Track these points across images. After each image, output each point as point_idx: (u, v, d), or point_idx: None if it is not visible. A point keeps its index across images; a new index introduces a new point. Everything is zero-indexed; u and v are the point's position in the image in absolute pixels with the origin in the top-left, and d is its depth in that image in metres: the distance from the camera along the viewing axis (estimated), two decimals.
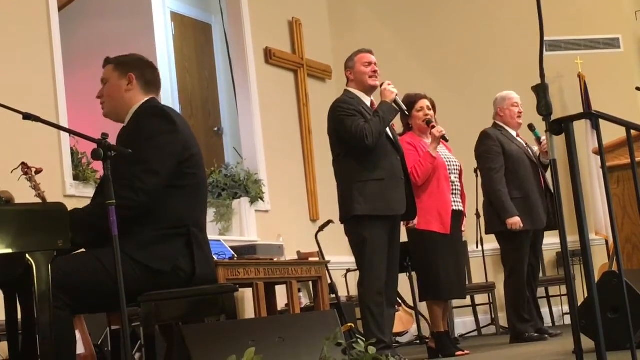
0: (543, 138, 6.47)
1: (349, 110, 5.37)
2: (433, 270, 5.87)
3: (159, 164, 3.50)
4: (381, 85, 5.50)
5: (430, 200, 5.88)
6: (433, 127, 5.95)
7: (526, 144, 6.69)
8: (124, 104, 3.73)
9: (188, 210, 3.60)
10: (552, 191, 6.53)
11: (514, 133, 6.68)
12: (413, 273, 7.12)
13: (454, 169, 6.04)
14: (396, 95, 5.46)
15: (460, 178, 6.11)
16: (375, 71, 5.52)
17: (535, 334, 6.40)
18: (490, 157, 6.53)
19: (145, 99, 3.74)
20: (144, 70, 3.80)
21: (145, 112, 3.66)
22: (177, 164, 3.57)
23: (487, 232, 6.76)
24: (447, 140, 6.08)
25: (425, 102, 6.06)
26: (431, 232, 5.85)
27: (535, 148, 6.67)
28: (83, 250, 3.56)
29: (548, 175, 6.61)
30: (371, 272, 5.25)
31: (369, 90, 5.54)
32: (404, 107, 5.59)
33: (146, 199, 3.43)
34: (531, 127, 6.58)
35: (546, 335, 6.44)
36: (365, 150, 5.28)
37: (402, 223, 5.64)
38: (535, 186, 6.51)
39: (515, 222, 6.33)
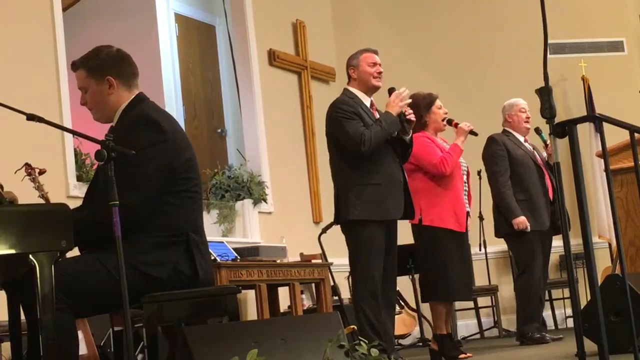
0: (549, 141, 6.53)
1: (348, 112, 5.30)
2: (443, 270, 5.85)
3: (144, 179, 3.43)
4: (390, 94, 5.45)
5: (447, 198, 5.90)
6: (456, 124, 6.02)
7: (534, 148, 6.76)
8: (111, 107, 3.64)
9: (185, 216, 3.55)
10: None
11: (521, 139, 6.78)
12: (416, 275, 7.13)
13: (464, 171, 6.08)
14: (403, 111, 5.40)
15: (467, 180, 6.14)
16: (380, 72, 5.46)
17: (537, 335, 6.41)
18: (495, 161, 6.63)
19: (131, 97, 3.64)
20: (118, 67, 3.65)
21: (134, 121, 3.55)
22: (168, 172, 3.50)
23: (496, 235, 6.79)
24: (476, 135, 6.14)
25: (439, 102, 6.11)
26: (447, 229, 5.85)
27: (545, 153, 6.74)
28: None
29: None
30: (366, 275, 5.19)
31: (372, 90, 5.47)
32: (406, 125, 5.53)
33: (127, 214, 3.26)
34: (538, 131, 6.68)
35: (547, 337, 6.44)
36: (361, 156, 5.23)
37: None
38: (539, 189, 6.59)
39: (521, 221, 6.39)
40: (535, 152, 6.74)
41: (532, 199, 6.53)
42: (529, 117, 6.76)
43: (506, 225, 6.51)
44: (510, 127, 6.80)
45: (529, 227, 6.42)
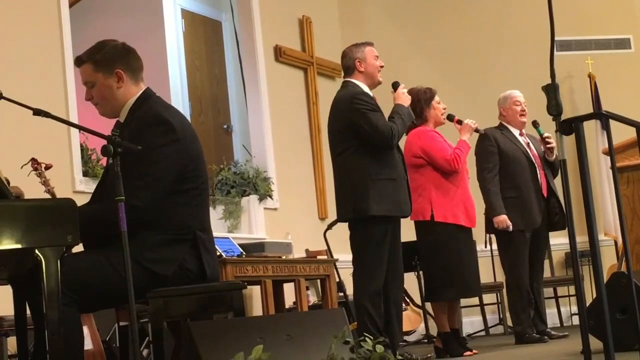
0: (545, 135, 6.47)
1: (370, 104, 5.20)
2: (458, 267, 5.83)
3: (155, 180, 3.42)
4: (395, 89, 5.43)
5: (458, 194, 5.89)
6: (458, 120, 6.00)
7: (529, 143, 6.62)
8: (118, 102, 3.60)
9: (192, 214, 3.55)
10: (555, 192, 6.51)
11: (516, 132, 6.64)
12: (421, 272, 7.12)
13: None
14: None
15: None
16: (382, 66, 5.43)
17: (536, 335, 6.38)
18: (483, 157, 6.53)
19: (139, 92, 3.61)
20: (126, 60, 3.62)
21: (144, 120, 3.52)
22: (178, 172, 3.49)
23: (486, 232, 6.72)
24: (482, 133, 6.13)
25: (438, 97, 6.09)
26: (458, 225, 5.84)
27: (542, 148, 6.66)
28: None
29: (553, 177, 6.60)
30: (373, 272, 5.15)
31: (375, 85, 5.41)
32: (413, 115, 5.54)
33: (137, 215, 3.30)
34: (535, 124, 6.54)
35: (546, 337, 6.39)
36: (387, 148, 5.16)
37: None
38: (531, 186, 6.45)
39: (502, 220, 6.31)
40: (531, 147, 6.60)
41: (522, 196, 6.41)
42: (524, 110, 6.63)
43: (492, 224, 6.43)
44: (505, 120, 6.68)
45: (510, 227, 6.30)
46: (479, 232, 6.64)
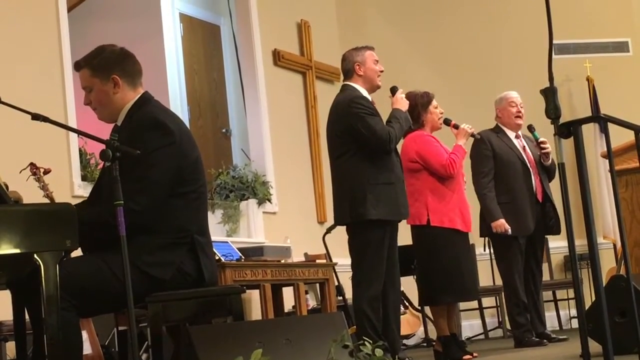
0: (541, 139, 6.44)
1: (369, 108, 5.20)
2: (456, 271, 5.82)
3: (153, 184, 3.42)
4: (393, 93, 5.43)
5: (453, 199, 5.87)
6: (454, 125, 5.99)
7: (524, 147, 6.57)
8: (116, 106, 3.61)
9: (190, 217, 3.55)
10: (551, 197, 6.50)
11: (512, 134, 6.60)
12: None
13: None
14: None
15: None
16: (382, 71, 5.42)
17: (535, 339, 6.36)
18: (479, 161, 6.50)
19: (137, 96, 3.62)
20: (123, 65, 3.62)
21: (141, 123, 3.52)
22: (176, 174, 3.49)
23: (480, 235, 6.68)
24: (478, 137, 6.12)
25: (435, 101, 6.07)
26: (455, 230, 5.83)
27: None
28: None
29: (550, 180, 6.59)
30: (372, 277, 5.13)
31: (374, 89, 5.40)
32: (410, 120, 5.55)
33: (136, 219, 3.30)
34: (530, 128, 6.49)
35: (545, 341, 6.38)
36: (385, 153, 5.16)
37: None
38: (525, 192, 6.41)
39: (499, 224, 6.28)
40: (527, 150, 6.54)
41: (515, 201, 6.37)
42: (519, 112, 6.56)
43: (487, 228, 6.39)
44: (501, 122, 6.62)
45: (509, 231, 6.27)
46: (478, 236, 6.64)
